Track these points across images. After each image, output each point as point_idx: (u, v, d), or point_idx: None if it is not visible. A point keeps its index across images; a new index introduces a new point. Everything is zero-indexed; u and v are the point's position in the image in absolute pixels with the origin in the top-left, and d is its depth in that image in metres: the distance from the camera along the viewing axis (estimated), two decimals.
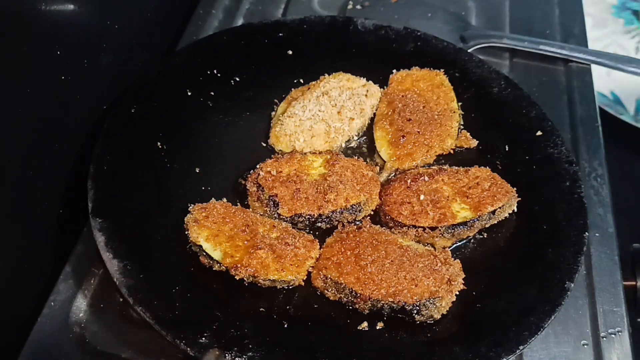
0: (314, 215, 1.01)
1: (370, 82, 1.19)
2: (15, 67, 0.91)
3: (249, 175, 1.05)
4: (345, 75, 1.20)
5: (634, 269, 1.08)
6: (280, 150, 1.12)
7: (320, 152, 1.09)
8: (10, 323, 1.00)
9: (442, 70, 1.20)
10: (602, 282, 1.05)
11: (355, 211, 1.02)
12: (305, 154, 1.08)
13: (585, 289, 1.05)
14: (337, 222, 1.02)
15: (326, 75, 1.20)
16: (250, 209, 1.03)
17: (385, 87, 1.20)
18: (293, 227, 1.01)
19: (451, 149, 1.13)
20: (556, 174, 1.08)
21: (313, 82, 1.19)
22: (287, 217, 1.00)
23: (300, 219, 1.01)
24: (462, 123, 1.16)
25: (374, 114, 1.17)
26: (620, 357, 0.98)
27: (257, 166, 1.05)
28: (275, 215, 1.01)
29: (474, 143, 1.14)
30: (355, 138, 1.15)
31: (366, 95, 1.16)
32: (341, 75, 1.20)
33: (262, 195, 1.01)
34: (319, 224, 1.02)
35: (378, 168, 1.10)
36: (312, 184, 1.03)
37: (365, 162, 1.09)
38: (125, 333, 0.97)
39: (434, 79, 1.19)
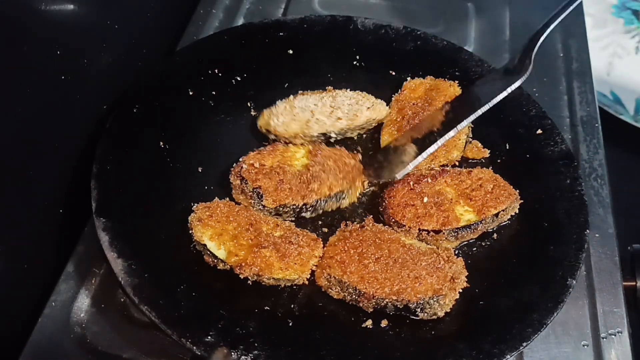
0: (298, 205, 1.01)
1: (381, 101, 1.16)
2: (15, 67, 0.90)
3: (231, 169, 1.05)
4: (362, 93, 1.17)
5: (634, 269, 1.08)
6: (260, 126, 1.12)
7: (302, 144, 1.09)
8: (11, 323, 0.99)
9: (447, 76, 1.18)
10: (602, 282, 1.06)
11: (339, 199, 1.04)
12: (287, 144, 1.08)
13: (586, 289, 1.05)
14: (321, 210, 1.03)
15: (348, 89, 1.17)
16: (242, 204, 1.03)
17: (387, 89, 1.20)
18: (280, 218, 1.01)
19: (457, 160, 1.11)
20: (556, 172, 1.09)
21: (329, 87, 1.18)
22: (271, 209, 1.01)
23: (285, 209, 1.01)
24: (470, 136, 1.14)
25: (368, 124, 1.15)
26: (620, 358, 0.98)
27: (240, 159, 1.05)
28: (260, 207, 1.01)
29: (484, 154, 1.13)
30: (334, 136, 1.13)
31: (368, 108, 1.13)
32: (359, 92, 1.17)
33: (245, 188, 1.02)
34: (304, 214, 1.03)
35: (360, 155, 1.09)
36: (295, 174, 1.03)
37: (347, 151, 1.09)
38: (126, 333, 0.96)
39: (447, 89, 1.17)
